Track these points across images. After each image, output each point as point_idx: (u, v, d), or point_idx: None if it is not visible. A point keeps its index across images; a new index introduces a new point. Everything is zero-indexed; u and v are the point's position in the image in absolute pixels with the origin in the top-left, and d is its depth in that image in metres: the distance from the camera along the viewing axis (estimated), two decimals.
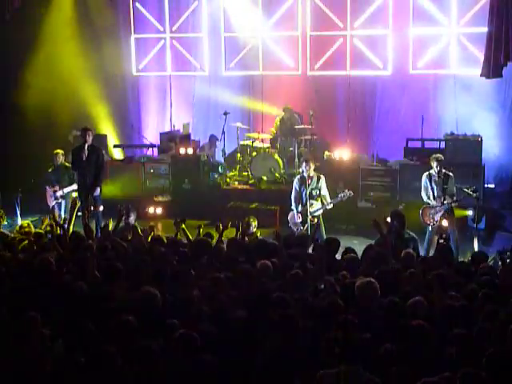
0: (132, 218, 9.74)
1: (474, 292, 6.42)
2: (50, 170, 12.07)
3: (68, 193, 11.77)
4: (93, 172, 10.93)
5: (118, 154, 15.37)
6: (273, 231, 8.39)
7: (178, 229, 8.50)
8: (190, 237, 8.51)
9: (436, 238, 9.93)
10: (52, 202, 11.73)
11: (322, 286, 6.46)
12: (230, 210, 12.91)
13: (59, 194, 11.69)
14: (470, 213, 11.54)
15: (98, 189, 11.01)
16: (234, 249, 7.96)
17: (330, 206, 10.43)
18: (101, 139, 14.82)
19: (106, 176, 12.45)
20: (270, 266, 6.94)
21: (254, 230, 9.62)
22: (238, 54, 15.79)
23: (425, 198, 10.30)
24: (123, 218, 9.33)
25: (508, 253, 7.98)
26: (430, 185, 10.22)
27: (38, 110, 14.83)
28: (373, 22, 14.65)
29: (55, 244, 7.83)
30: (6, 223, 10.40)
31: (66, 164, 11.90)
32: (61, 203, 11.75)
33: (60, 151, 12.01)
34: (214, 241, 8.29)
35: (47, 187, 11.83)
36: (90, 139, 10.95)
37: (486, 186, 12.85)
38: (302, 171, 10.46)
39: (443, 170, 10.24)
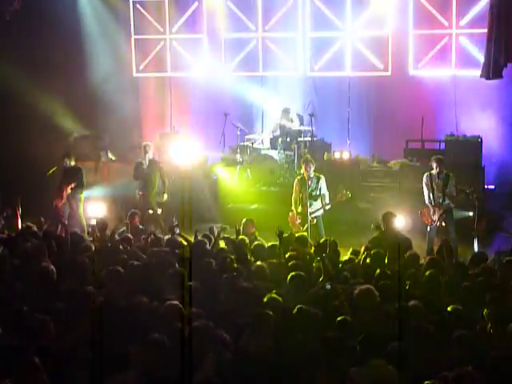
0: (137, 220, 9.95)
1: (474, 292, 6.44)
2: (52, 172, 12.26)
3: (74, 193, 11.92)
4: (153, 184, 11.62)
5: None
6: (276, 228, 8.38)
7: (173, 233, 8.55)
8: (190, 239, 8.52)
9: (436, 238, 9.98)
10: (61, 203, 11.90)
11: (329, 287, 6.47)
12: (230, 210, 12.91)
13: (65, 194, 11.85)
14: (471, 214, 11.54)
15: (165, 195, 11.82)
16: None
17: (329, 207, 10.46)
18: (100, 140, 14.84)
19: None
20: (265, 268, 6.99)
21: (253, 230, 9.63)
22: (237, 54, 15.80)
23: (426, 199, 10.34)
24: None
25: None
26: (431, 185, 10.25)
27: (37, 110, 14.82)
28: (373, 22, 14.65)
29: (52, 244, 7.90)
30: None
31: (72, 164, 12.15)
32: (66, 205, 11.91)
33: (66, 154, 12.24)
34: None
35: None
36: (149, 154, 11.73)
37: (485, 186, 12.84)
38: (302, 172, 10.48)
39: (444, 171, 10.27)
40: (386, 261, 7.41)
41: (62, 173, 12.14)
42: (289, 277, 6.69)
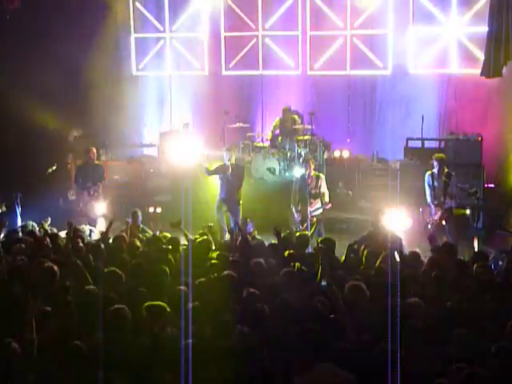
0: (139, 219, 9.96)
1: (474, 291, 6.44)
2: (80, 165, 12.55)
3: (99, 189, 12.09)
4: (235, 189, 11.29)
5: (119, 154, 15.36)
6: (273, 228, 8.38)
7: (175, 228, 8.54)
8: (190, 237, 8.52)
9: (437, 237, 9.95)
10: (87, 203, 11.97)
11: (324, 283, 6.49)
12: None
13: (92, 190, 12.04)
14: (468, 212, 11.56)
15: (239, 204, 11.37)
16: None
17: (329, 206, 10.47)
18: (100, 139, 14.83)
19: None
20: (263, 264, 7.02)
21: (252, 229, 9.64)
22: (237, 53, 15.80)
23: (428, 198, 10.34)
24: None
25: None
26: (432, 184, 10.25)
27: (37, 109, 14.80)
28: (373, 21, 14.66)
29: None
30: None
31: (96, 162, 12.44)
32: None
33: (93, 148, 12.47)
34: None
35: (82, 192, 12.08)
36: (232, 158, 11.47)
37: (486, 185, 12.83)
38: (302, 171, 10.50)
39: (445, 170, 10.27)
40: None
41: (83, 167, 12.33)
42: (281, 273, 6.74)
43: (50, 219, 10.18)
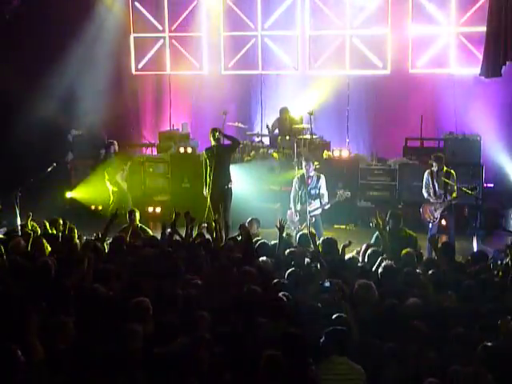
0: (137, 219, 9.97)
1: (473, 291, 6.45)
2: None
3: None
4: (224, 170, 10.92)
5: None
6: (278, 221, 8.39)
7: (188, 222, 8.56)
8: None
9: (438, 235, 9.97)
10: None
11: (328, 284, 6.50)
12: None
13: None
14: (466, 211, 11.57)
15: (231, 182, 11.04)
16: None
17: (328, 206, 10.48)
18: (98, 138, 14.82)
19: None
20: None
21: (257, 231, 9.62)
22: (237, 53, 15.79)
23: (425, 195, 10.36)
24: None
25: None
26: (432, 182, 10.27)
27: (36, 109, 14.81)
28: (372, 21, 14.66)
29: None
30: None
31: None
32: None
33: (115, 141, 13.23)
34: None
35: None
36: (221, 138, 11.06)
37: (485, 185, 12.85)
38: (302, 170, 10.52)
39: (445, 168, 10.30)
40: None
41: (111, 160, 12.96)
42: (286, 273, 6.79)
43: (31, 214, 10.08)
